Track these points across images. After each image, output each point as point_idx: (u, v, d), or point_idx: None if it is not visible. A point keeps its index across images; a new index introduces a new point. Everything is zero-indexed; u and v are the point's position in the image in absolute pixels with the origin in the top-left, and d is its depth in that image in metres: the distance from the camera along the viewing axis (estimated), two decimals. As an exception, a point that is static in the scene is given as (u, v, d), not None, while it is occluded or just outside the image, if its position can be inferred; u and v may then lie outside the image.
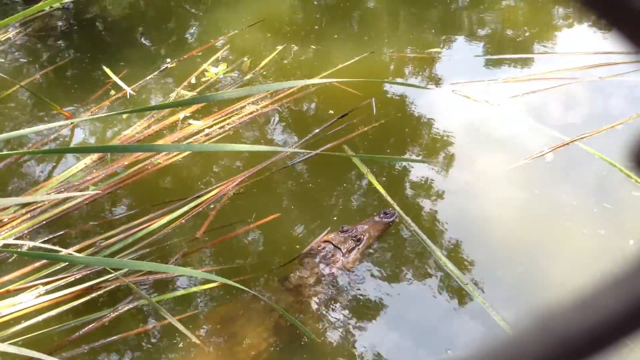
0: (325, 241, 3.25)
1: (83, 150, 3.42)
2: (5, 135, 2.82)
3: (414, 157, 3.98)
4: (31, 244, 3.09)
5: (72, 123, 4.15)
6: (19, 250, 3.20)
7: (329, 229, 3.41)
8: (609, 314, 0.28)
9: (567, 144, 3.85)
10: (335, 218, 3.52)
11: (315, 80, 3.99)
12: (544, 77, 4.50)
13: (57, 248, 2.61)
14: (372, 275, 3.19)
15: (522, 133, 4.06)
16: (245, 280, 3.10)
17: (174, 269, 2.87)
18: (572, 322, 0.28)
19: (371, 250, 3.29)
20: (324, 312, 2.98)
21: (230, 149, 3.28)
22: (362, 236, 3.26)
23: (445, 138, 4.11)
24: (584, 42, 4.86)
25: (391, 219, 3.38)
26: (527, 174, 3.72)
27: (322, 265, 3.11)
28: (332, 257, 3.16)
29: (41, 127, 1.84)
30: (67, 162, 3.96)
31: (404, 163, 3.90)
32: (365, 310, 3.02)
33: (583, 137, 3.87)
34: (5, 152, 3.92)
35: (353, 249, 3.21)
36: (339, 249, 3.19)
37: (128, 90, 4.50)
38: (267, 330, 2.79)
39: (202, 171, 3.89)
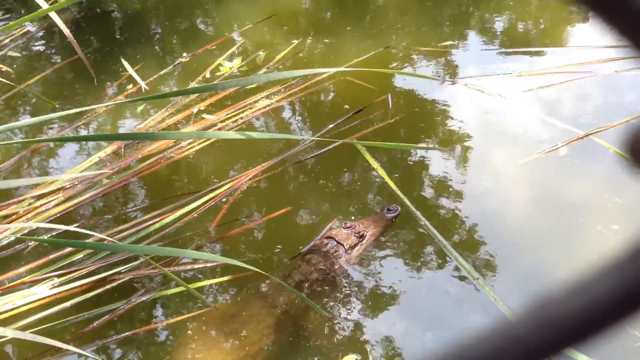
0: (328, 237, 3.24)
1: (108, 137, 3.44)
2: (29, 120, 2.86)
3: (428, 149, 3.96)
4: (56, 227, 3.11)
5: (106, 107, 4.19)
6: (44, 238, 3.23)
7: (330, 224, 3.41)
8: (603, 299, 0.28)
9: (581, 138, 3.81)
10: (347, 212, 3.52)
11: (326, 70, 3.98)
12: (558, 71, 4.46)
13: (86, 231, 2.63)
14: (376, 270, 3.18)
15: (535, 127, 4.03)
16: (256, 274, 3.10)
17: (200, 255, 2.87)
18: (567, 307, 0.29)
19: (374, 246, 3.28)
20: (326, 308, 2.98)
21: (248, 136, 3.30)
22: (365, 232, 3.25)
23: (458, 132, 4.09)
24: (598, 35, 4.80)
25: (394, 215, 3.37)
26: (540, 168, 3.69)
27: (324, 261, 3.11)
28: (335, 253, 3.15)
29: (71, 111, 1.86)
30: (81, 156, 4.00)
31: (416, 158, 3.89)
32: (368, 306, 3.01)
33: (597, 132, 3.83)
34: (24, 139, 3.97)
35: (356, 245, 3.21)
36: (342, 245, 3.18)
37: (142, 84, 4.52)
38: (268, 327, 2.80)
39: (214, 166, 3.91)
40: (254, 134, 3.49)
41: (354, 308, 2.99)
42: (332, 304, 3.01)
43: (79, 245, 2.69)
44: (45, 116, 2.07)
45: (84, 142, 4.16)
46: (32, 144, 4.01)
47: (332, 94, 4.53)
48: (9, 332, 1.78)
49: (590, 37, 4.84)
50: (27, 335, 1.80)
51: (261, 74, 4.66)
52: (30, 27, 5.45)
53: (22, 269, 3.14)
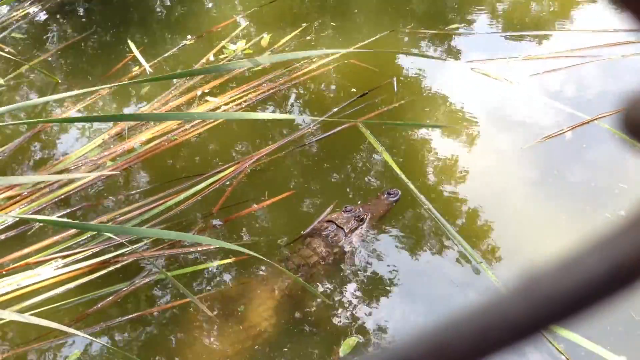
0: (328, 221, 3.24)
1: (115, 118, 3.43)
2: (36, 100, 2.84)
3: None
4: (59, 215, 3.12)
5: (110, 88, 4.18)
6: (50, 218, 3.24)
7: (330, 208, 3.40)
8: (591, 275, 0.28)
9: (587, 122, 3.79)
10: (348, 196, 3.52)
11: (330, 51, 3.96)
12: (564, 55, 4.42)
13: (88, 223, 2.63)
14: (376, 254, 3.18)
15: (541, 111, 4.00)
16: (257, 257, 3.11)
17: (201, 239, 2.88)
18: (555, 283, 0.29)
19: (375, 230, 3.28)
20: (326, 292, 2.98)
21: (254, 117, 3.30)
22: (365, 216, 3.25)
23: (463, 116, 4.07)
24: (605, 19, 4.74)
25: (395, 199, 3.36)
26: (545, 153, 3.67)
27: (324, 245, 3.10)
28: (334, 237, 3.15)
29: (76, 92, 1.84)
30: (84, 139, 4.01)
31: (420, 143, 3.87)
32: (369, 289, 3.01)
33: (603, 116, 3.80)
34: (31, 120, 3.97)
35: (356, 228, 3.21)
36: (342, 228, 3.18)
37: (146, 66, 4.51)
38: (268, 310, 2.81)
39: (218, 149, 3.90)
40: (262, 115, 3.49)
41: (354, 291, 2.99)
42: (332, 287, 3.01)
43: (82, 227, 2.69)
44: (49, 97, 2.06)
45: (87, 125, 4.15)
46: (35, 125, 4.00)
47: (336, 77, 4.50)
48: (6, 315, 1.78)
49: (598, 21, 4.79)
50: (24, 317, 1.80)
51: (265, 56, 4.63)
52: (31, 10, 5.42)
53: (26, 250, 3.15)
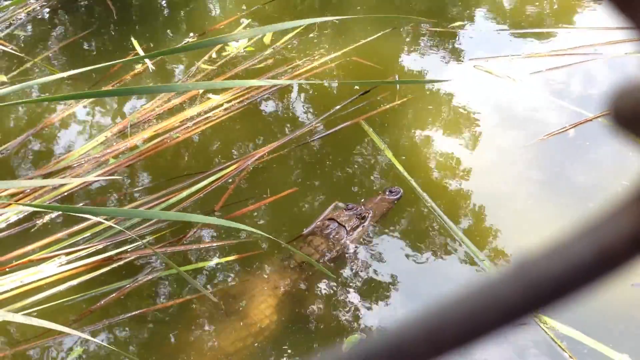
0: (330, 219, 3.24)
1: (125, 92, 3.43)
2: (46, 78, 2.81)
3: (434, 130, 3.94)
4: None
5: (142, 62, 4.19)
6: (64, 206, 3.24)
7: (332, 205, 3.40)
8: (578, 260, 0.29)
9: (590, 120, 3.78)
10: (350, 194, 3.52)
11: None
12: (567, 53, 4.41)
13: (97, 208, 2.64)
14: (378, 252, 3.18)
15: (543, 109, 4.00)
16: (259, 254, 3.13)
17: (213, 220, 2.84)
18: (544, 267, 0.30)
19: (376, 228, 3.28)
20: (327, 290, 2.98)
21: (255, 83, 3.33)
22: (367, 214, 3.24)
23: (465, 114, 4.06)
24: (608, 16, 4.73)
25: (396, 197, 3.36)
26: (548, 151, 3.67)
27: (326, 243, 3.10)
28: (336, 235, 3.15)
29: (106, 64, 1.85)
30: (87, 136, 4.02)
31: (423, 141, 3.87)
32: (370, 287, 3.01)
33: (606, 114, 3.78)
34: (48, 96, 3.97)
35: (357, 226, 3.20)
36: (344, 226, 3.17)
37: (149, 63, 4.52)
38: (270, 308, 2.81)
39: (220, 147, 3.90)
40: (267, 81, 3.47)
41: (356, 289, 2.99)
42: (333, 285, 3.01)
43: (94, 212, 2.66)
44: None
45: (89, 123, 4.16)
46: (40, 119, 4.01)
47: (339, 75, 4.50)
48: (2, 315, 1.78)
49: (601, 19, 4.78)
50: (18, 318, 1.80)
51: (267, 54, 4.64)
52: (35, 5, 5.43)
53: (29, 247, 3.16)
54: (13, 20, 5.20)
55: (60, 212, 3.32)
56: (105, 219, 3.06)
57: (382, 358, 0.32)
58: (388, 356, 0.32)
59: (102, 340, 2.78)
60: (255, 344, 2.72)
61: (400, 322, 0.32)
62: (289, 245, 2.62)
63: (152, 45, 4.86)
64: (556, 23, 4.99)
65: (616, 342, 2.62)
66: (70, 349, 2.76)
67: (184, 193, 3.43)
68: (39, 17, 5.40)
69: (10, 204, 3.31)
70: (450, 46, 4.80)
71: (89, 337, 2.54)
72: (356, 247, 3.17)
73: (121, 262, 3.11)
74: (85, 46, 5.00)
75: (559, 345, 2.61)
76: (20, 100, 2.60)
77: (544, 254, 0.30)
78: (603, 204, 0.30)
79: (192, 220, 2.99)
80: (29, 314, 2.59)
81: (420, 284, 3.06)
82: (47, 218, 3.33)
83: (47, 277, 3.01)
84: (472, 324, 0.30)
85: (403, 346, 0.32)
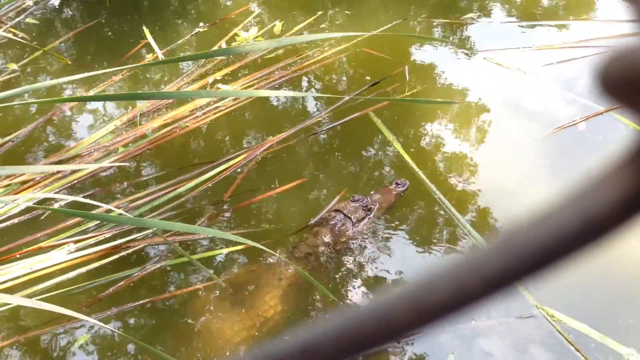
0: (336, 210, 3.24)
1: (132, 97, 3.44)
2: (46, 83, 2.85)
3: (443, 123, 3.92)
4: (70, 198, 3.14)
5: (125, 72, 4.21)
6: (55, 207, 3.27)
7: (338, 197, 3.40)
8: (562, 230, 0.29)
9: (601, 113, 3.75)
10: (357, 185, 3.52)
11: (338, 34, 3.95)
12: (579, 45, 4.37)
13: (96, 203, 2.65)
14: (384, 244, 3.17)
15: (554, 102, 3.97)
16: (267, 244, 3.13)
17: (201, 230, 2.92)
18: (529, 235, 0.30)
19: (382, 220, 3.27)
20: (333, 281, 2.99)
21: (267, 94, 3.35)
22: (373, 206, 3.24)
23: (476, 106, 4.04)
24: (621, 8, 4.68)
25: (403, 189, 3.35)
26: (559, 144, 3.64)
27: (331, 235, 3.10)
28: (342, 226, 3.15)
29: (90, 73, 1.85)
30: (97, 125, 4.03)
31: (432, 132, 3.85)
32: (376, 279, 3.01)
33: (618, 107, 3.75)
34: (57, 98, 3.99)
35: (363, 218, 3.20)
36: (350, 218, 3.17)
37: (159, 53, 4.52)
38: (275, 298, 2.82)
39: (229, 137, 3.91)
40: (274, 92, 3.48)
41: (361, 281, 3.00)
42: (338, 276, 3.01)
43: (86, 216, 2.71)
44: (62, 79, 2.07)
45: (100, 112, 4.17)
46: (48, 111, 4.03)
47: (348, 65, 4.49)
48: (15, 300, 1.80)
49: (614, 11, 4.73)
50: (31, 302, 1.82)
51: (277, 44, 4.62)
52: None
53: (39, 234, 3.18)
54: (24, 8, 5.22)
55: (69, 200, 3.34)
56: (116, 207, 3.07)
57: (370, 326, 0.32)
58: (375, 324, 0.32)
59: (113, 327, 2.80)
60: (259, 334, 2.73)
61: (388, 295, 0.32)
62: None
63: (160, 36, 4.86)
64: (568, 15, 4.94)
65: (623, 336, 2.61)
66: (77, 337, 2.79)
67: (193, 182, 3.44)
68: (50, 4, 5.41)
69: (22, 190, 3.34)
70: (461, 38, 4.77)
71: (100, 324, 2.56)
72: (362, 238, 3.17)
73: (130, 250, 3.13)
74: (95, 34, 5.01)
75: (565, 339, 2.60)
76: (30, 101, 2.62)
77: (529, 223, 0.30)
78: (592, 170, 0.30)
79: (191, 231, 3.03)
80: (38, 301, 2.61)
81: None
82: (56, 205, 3.35)
83: (56, 265, 3.03)
84: (458, 291, 0.30)
85: (389, 316, 0.32)
